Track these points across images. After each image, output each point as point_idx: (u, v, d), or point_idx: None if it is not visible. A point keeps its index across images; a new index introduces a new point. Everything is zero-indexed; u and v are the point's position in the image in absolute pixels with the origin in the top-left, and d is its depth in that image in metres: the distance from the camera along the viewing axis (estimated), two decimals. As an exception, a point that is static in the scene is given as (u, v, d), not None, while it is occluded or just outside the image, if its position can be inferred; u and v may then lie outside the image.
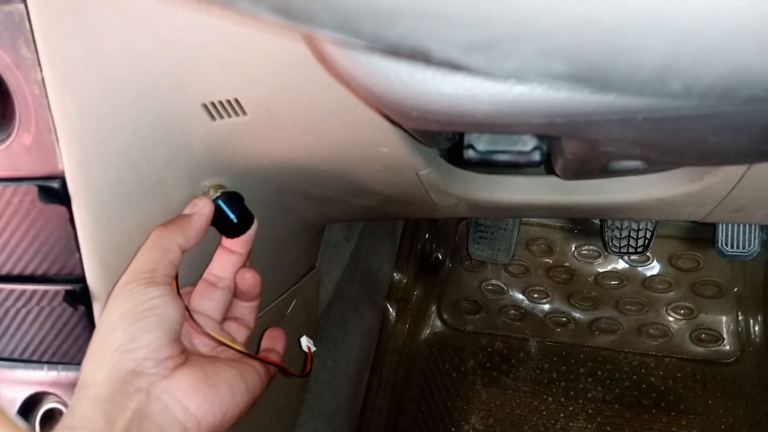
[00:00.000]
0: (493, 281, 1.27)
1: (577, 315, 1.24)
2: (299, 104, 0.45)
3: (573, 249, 1.23)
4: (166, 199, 0.50)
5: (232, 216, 0.51)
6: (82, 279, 0.51)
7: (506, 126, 0.26)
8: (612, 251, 1.09)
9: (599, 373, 1.21)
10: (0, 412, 0.48)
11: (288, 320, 0.83)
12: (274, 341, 0.57)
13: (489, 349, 1.25)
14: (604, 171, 0.44)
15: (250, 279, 0.54)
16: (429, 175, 0.56)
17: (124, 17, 0.41)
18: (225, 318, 0.55)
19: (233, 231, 0.52)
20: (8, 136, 0.46)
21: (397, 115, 0.30)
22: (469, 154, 0.40)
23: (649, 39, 0.12)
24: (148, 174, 0.48)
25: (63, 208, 0.47)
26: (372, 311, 1.21)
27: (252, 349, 0.53)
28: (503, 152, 0.40)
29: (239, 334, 0.54)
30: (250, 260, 0.56)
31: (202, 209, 0.50)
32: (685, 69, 0.13)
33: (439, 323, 1.29)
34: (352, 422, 1.14)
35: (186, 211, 0.50)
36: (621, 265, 1.22)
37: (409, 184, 0.59)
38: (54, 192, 0.47)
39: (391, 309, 1.26)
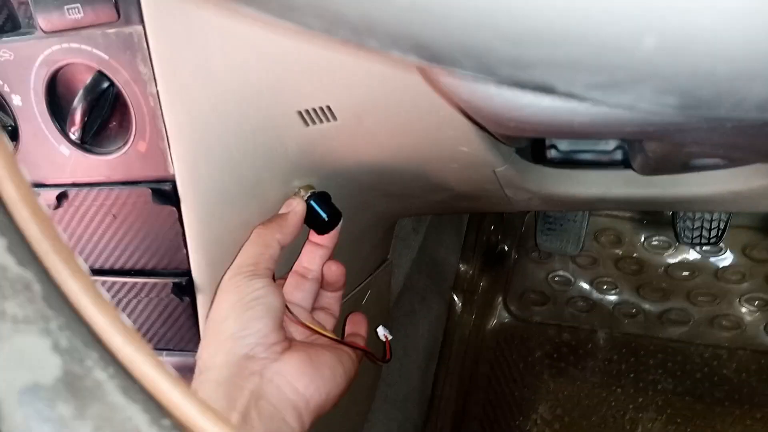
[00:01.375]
0: (561, 272, 1.27)
1: (646, 306, 1.24)
2: (387, 109, 0.49)
3: (642, 240, 1.22)
4: (263, 199, 0.54)
5: (323, 214, 0.55)
6: (188, 272, 0.55)
7: (600, 134, 0.28)
8: (684, 242, 1.07)
9: (669, 364, 1.20)
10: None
11: (363, 311, 0.87)
12: (357, 326, 0.61)
13: (556, 341, 1.26)
14: (684, 167, 0.45)
15: (336, 270, 0.57)
16: (505, 172, 0.58)
17: (228, 36, 0.45)
18: (313, 308, 0.59)
19: (323, 228, 0.56)
20: (125, 144, 0.51)
21: (493, 125, 0.33)
22: (552, 153, 0.42)
23: (755, 83, 0.14)
24: (248, 176, 0.52)
25: (173, 209, 0.52)
26: (439, 302, 1.23)
27: (336, 335, 0.57)
28: (586, 151, 0.42)
29: (327, 322, 0.58)
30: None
31: (296, 208, 0.54)
32: (788, 103, 0.15)
33: (505, 314, 1.31)
34: (422, 409, 1.18)
35: (282, 211, 0.54)
36: (692, 255, 1.20)
37: (485, 181, 0.61)
38: (166, 194, 0.51)
39: (457, 299, 1.29)
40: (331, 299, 0.60)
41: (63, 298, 0.18)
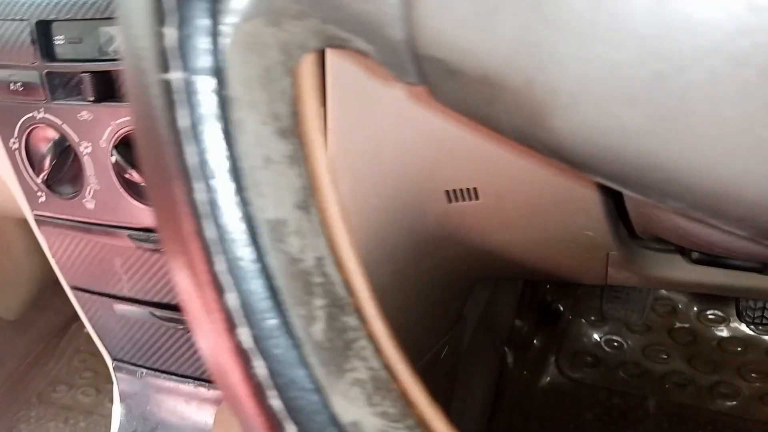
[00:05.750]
0: (614, 336, 1.30)
1: (697, 377, 1.25)
2: (528, 195, 0.53)
3: (697, 311, 1.25)
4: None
5: None
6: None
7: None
8: (745, 320, 1.10)
9: (719, 437, 1.21)
10: None
11: (440, 365, 0.91)
12: None
13: (607, 404, 1.28)
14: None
15: None
16: (617, 255, 0.62)
17: (401, 119, 0.50)
18: None
19: None
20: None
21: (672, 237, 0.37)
22: (696, 256, 0.46)
23: None
24: (389, 245, 0.57)
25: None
26: (493, 356, 1.26)
27: None
28: (733, 258, 0.45)
29: None
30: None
31: None
32: None
33: (557, 373, 1.33)
34: (473, 462, 1.19)
35: None
36: (746, 331, 1.23)
37: (593, 260, 0.65)
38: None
39: (509, 355, 1.31)
40: None
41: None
